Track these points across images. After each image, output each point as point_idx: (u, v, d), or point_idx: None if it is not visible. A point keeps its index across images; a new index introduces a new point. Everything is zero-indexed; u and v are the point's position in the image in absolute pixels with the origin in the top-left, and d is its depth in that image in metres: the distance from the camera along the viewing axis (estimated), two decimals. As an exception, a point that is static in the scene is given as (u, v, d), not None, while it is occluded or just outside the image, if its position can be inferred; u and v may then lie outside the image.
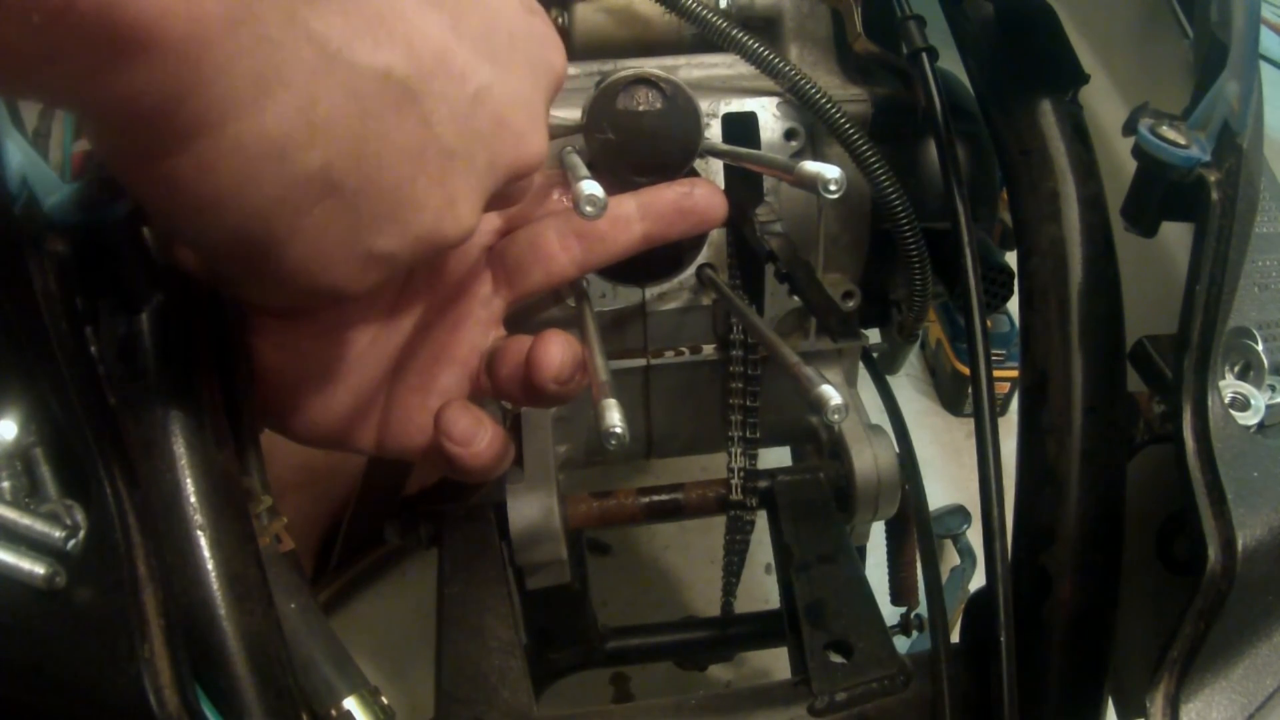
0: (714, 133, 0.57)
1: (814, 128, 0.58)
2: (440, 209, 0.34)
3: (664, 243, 0.49)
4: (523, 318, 0.57)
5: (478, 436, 0.42)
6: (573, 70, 0.59)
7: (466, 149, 0.34)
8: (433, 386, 0.45)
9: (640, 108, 0.50)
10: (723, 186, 0.57)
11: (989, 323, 0.50)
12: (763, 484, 0.62)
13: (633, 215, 0.48)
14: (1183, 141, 0.40)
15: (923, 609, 0.66)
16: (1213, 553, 0.37)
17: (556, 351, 0.40)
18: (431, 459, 0.44)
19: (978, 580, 0.85)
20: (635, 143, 0.50)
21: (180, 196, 0.29)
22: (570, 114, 0.51)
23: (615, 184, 0.50)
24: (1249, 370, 0.43)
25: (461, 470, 0.42)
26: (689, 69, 0.61)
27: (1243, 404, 0.41)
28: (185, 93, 0.26)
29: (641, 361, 0.61)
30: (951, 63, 0.57)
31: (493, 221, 0.47)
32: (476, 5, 0.34)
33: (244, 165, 0.28)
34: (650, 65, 0.53)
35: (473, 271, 0.46)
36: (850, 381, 0.66)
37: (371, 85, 0.30)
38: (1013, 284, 0.55)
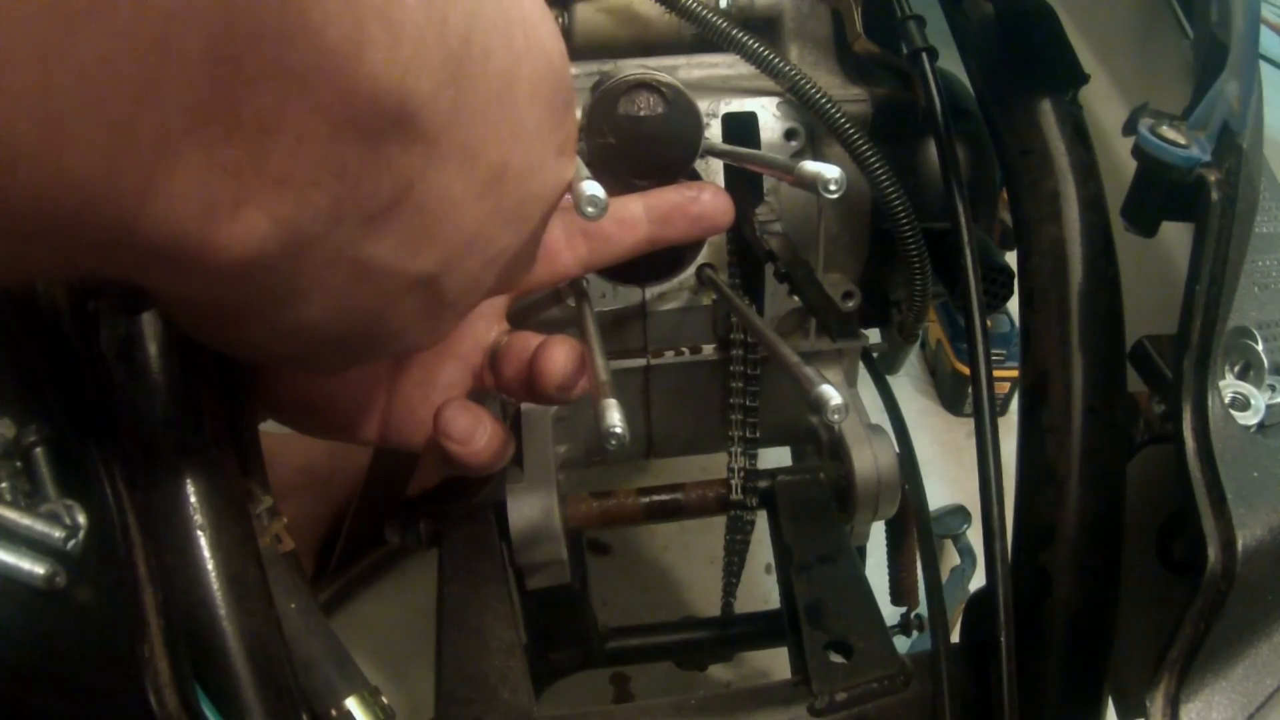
0: (714, 133, 0.57)
1: (814, 128, 0.58)
2: (423, 333, 0.34)
3: (670, 245, 0.49)
4: (523, 317, 0.57)
5: (476, 435, 0.42)
6: (573, 70, 0.59)
7: (469, 295, 0.34)
8: (435, 380, 0.46)
9: (641, 113, 0.50)
10: (723, 186, 0.57)
11: (989, 323, 0.50)
12: (763, 484, 0.62)
13: (639, 218, 0.48)
14: (1183, 141, 0.40)
15: (923, 609, 0.66)
16: (1213, 553, 0.37)
17: (560, 359, 0.40)
18: (434, 452, 0.45)
19: (978, 580, 0.85)
20: (635, 147, 0.50)
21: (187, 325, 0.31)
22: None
23: (615, 186, 0.50)
24: (1249, 370, 0.43)
25: (461, 466, 0.43)
26: (689, 69, 0.61)
27: (1243, 404, 0.41)
28: (219, 300, 0.26)
29: (641, 361, 0.61)
30: (951, 63, 0.57)
31: None
32: (521, 181, 0.32)
33: (258, 338, 0.30)
34: (650, 65, 0.53)
35: None
36: (850, 381, 0.66)
37: (403, 286, 0.30)
38: (1013, 284, 0.55)
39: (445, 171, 0.28)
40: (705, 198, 0.48)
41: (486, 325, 0.47)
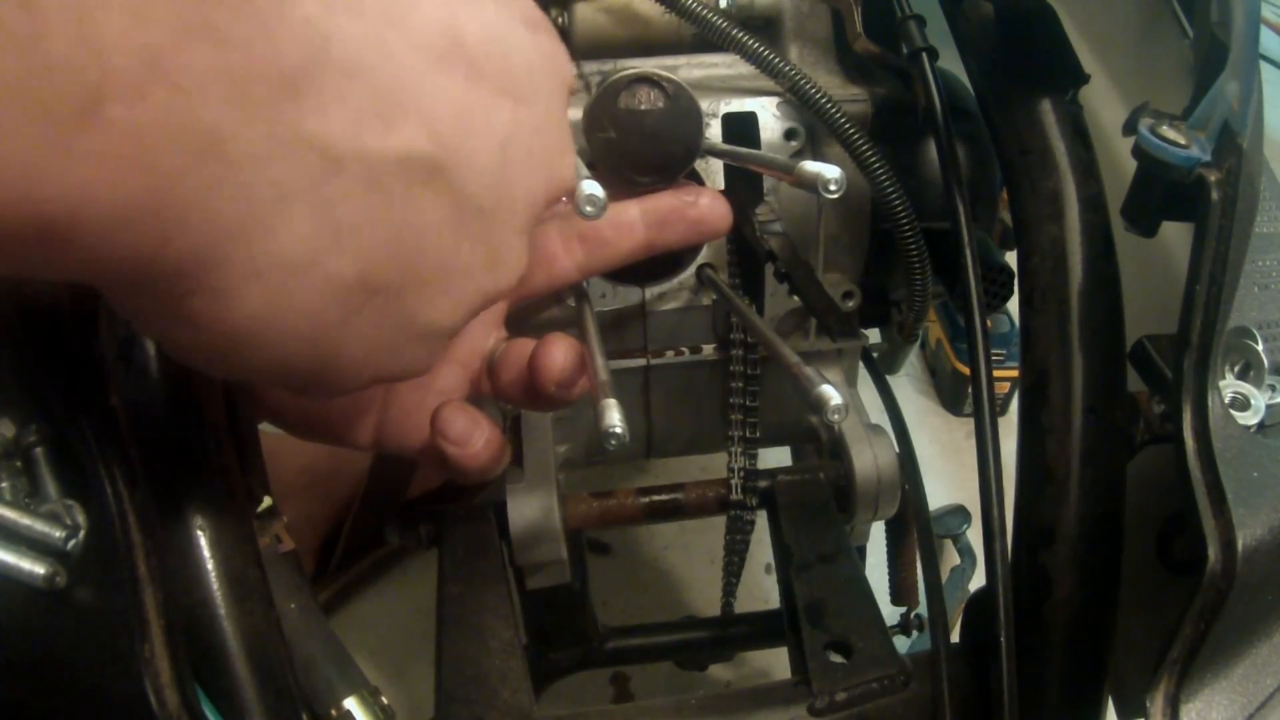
0: (714, 133, 0.57)
1: (814, 128, 0.58)
2: (488, 265, 0.32)
3: (667, 250, 0.49)
4: (522, 318, 0.57)
5: (474, 437, 0.42)
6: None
7: (504, 198, 0.31)
8: (432, 385, 0.45)
9: (643, 107, 0.50)
10: (723, 186, 0.57)
11: (989, 323, 0.50)
12: (763, 484, 0.62)
13: (636, 221, 0.48)
14: (1183, 141, 0.40)
15: (923, 609, 0.66)
16: (1213, 553, 0.37)
17: (559, 356, 0.40)
18: (429, 457, 0.44)
19: (978, 580, 0.85)
20: (637, 142, 0.50)
21: (207, 335, 0.26)
22: (571, 113, 0.51)
23: (616, 183, 0.50)
24: (1249, 370, 0.43)
25: (458, 470, 0.42)
26: (689, 69, 0.61)
27: (1243, 404, 0.41)
28: (160, 243, 0.22)
29: (641, 361, 0.61)
30: (951, 63, 0.57)
31: None
32: (489, 43, 0.30)
33: (268, 288, 0.25)
34: (650, 65, 0.53)
35: None
36: (850, 381, 0.66)
37: (392, 171, 0.26)
38: (1013, 284, 0.55)
39: (363, 18, 0.25)
40: (703, 202, 0.48)
41: (484, 331, 0.47)
